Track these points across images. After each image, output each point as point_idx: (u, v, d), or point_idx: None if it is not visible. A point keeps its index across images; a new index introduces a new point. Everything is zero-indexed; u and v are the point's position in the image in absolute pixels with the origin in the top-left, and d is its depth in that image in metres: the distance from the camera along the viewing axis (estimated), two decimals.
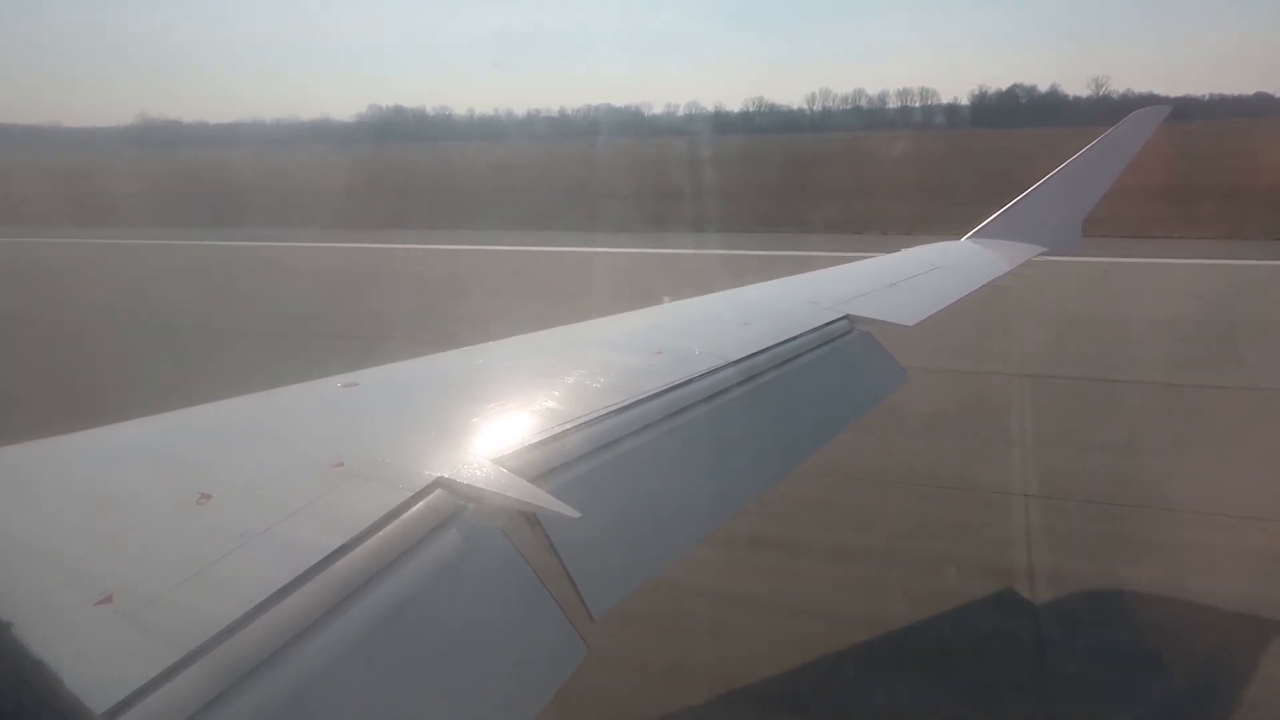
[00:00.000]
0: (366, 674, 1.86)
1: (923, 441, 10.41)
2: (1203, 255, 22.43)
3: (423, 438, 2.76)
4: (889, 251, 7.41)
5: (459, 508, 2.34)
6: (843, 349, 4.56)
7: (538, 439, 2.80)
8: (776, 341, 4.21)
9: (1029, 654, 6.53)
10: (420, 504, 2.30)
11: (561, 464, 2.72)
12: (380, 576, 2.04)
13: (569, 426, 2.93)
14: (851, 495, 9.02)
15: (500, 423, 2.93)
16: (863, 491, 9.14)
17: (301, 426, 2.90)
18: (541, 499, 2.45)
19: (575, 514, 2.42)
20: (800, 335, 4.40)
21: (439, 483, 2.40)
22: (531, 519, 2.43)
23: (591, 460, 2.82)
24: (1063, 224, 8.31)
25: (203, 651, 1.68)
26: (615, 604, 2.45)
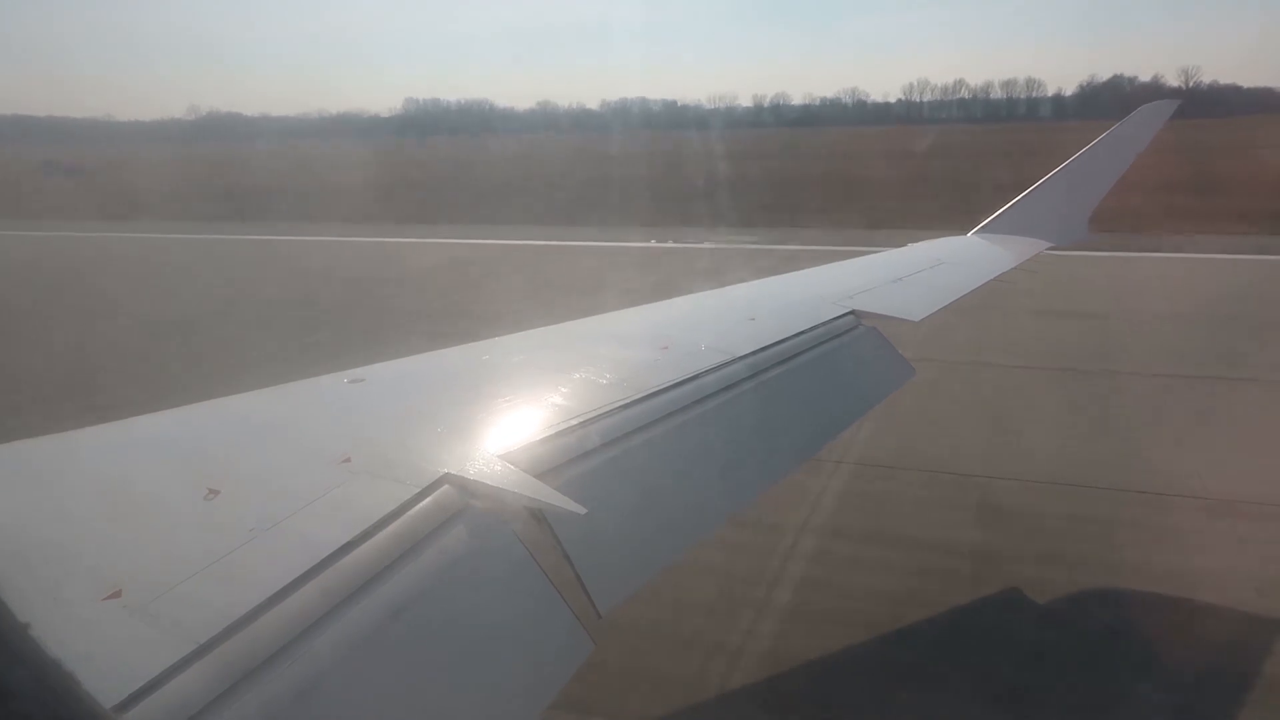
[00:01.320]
0: (375, 667, 1.87)
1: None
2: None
3: (430, 433, 2.77)
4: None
5: (466, 503, 2.35)
6: (849, 344, 4.55)
7: (544, 434, 2.80)
8: (782, 337, 4.21)
9: None
10: (427, 500, 2.31)
11: (568, 460, 2.72)
12: (388, 572, 2.05)
13: (576, 422, 2.93)
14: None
15: (507, 418, 2.93)
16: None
17: (309, 422, 2.92)
18: (548, 495, 2.45)
19: (582, 510, 2.42)
20: (806, 331, 4.40)
21: (446, 478, 2.41)
22: (538, 515, 2.43)
23: (598, 456, 2.82)
24: (1069, 219, 8.28)
25: (212, 646, 1.69)
26: (622, 599, 2.45)
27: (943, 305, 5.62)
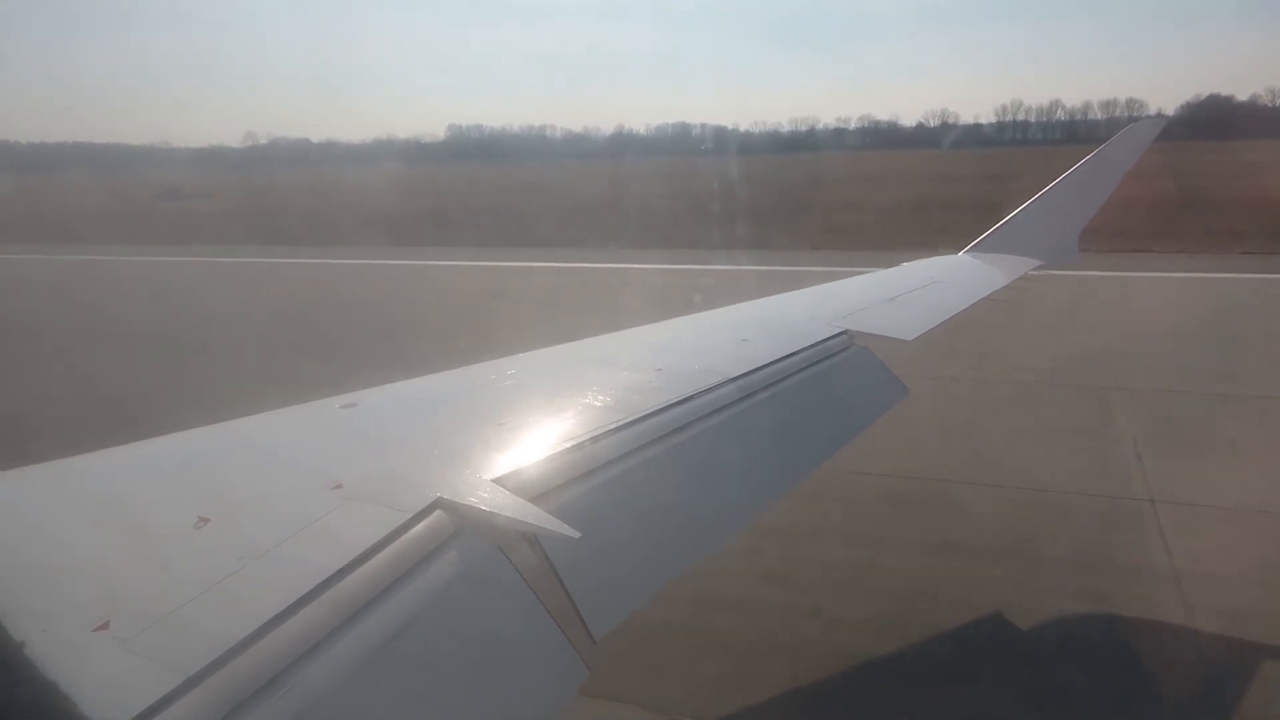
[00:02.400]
0: (366, 698, 1.85)
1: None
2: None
3: (422, 458, 2.76)
4: None
5: (459, 528, 2.34)
6: (842, 364, 4.55)
7: (537, 458, 2.79)
8: (775, 358, 4.20)
9: None
10: (420, 525, 2.30)
11: (561, 483, 2.71)
12: (380, 598, 2.03)
13: (568, 445, 2.92)
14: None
15: (499, 442, 2.92)
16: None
17: (300, 448, 2.90)
18: (541, 519, 2.44)
19: (575, 534, 2.40)
20: (799, 351, 4.39)
21: (438, 503, 2.39)
22: (531, 539, 2.42)
23: (591, 479, 2.80)
24: (1059, 238, 8.34)
25: (202, 677, 1.67)
26: (616, 625, 2.42)
27: (936, 324, 5.63)
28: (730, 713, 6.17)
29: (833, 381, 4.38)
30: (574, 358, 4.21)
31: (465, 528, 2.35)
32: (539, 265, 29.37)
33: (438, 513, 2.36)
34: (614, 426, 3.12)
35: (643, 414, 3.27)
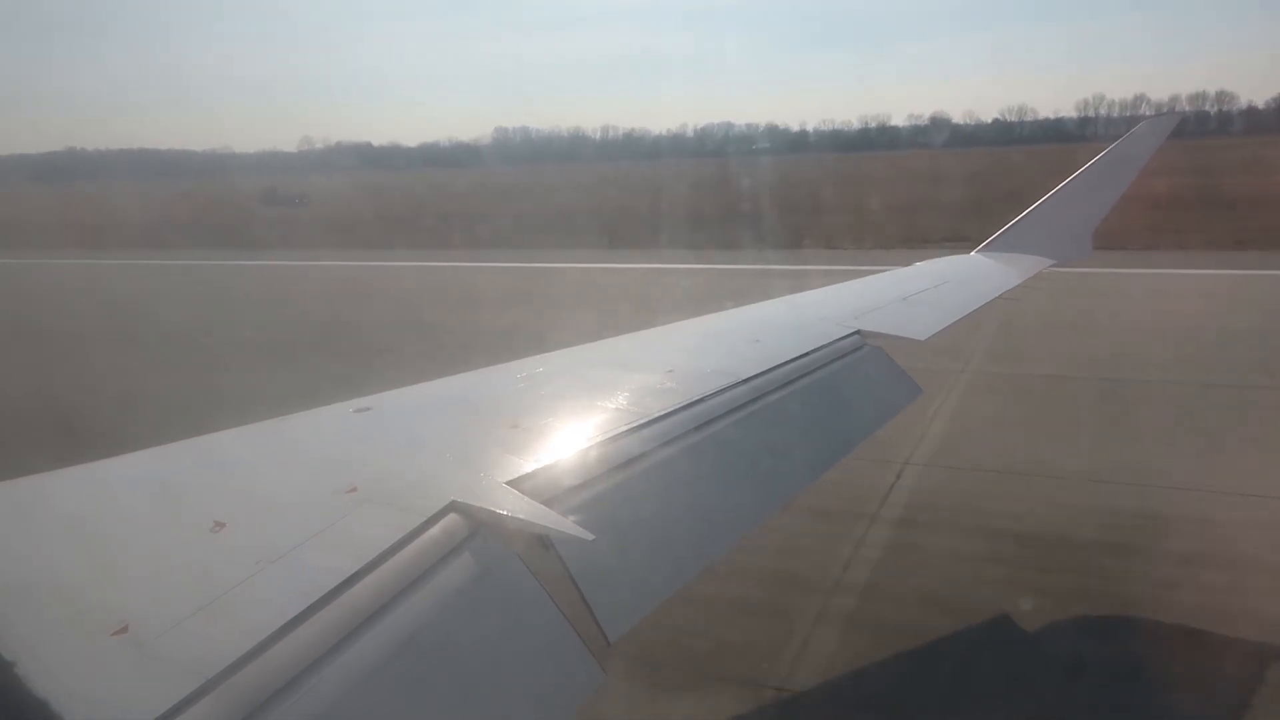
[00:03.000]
0: (382, 701, 1.86)
1: None
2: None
3: (435, 461, 2.77)
4: None
5: (473, 531, 2.35)
6: (854, 365, 4.54)
7: (550, 460, 2.80)
8: (788, 358, 4.19)
9: None
10: (434, 528, 2.31)
11: (574, 485, 2.72)
12: (395, 602, 2.04)
13: (582, 447, 2.93)
14: None
15: (512, 445, 2.92)
16: None
17: (314, 452, 2.92)
18: (555, 521, 2.45)
19: (589, 536, 2.41)
20: (812, 352, 4.38)
21: (452, 506, 2.40)
22: (545, 542, 2.42)
23: (604, 481, 2.81)
24: (1072, 236, 8.29)
25: (219, 680, 1.68)
26: (631, 626, 2.43)
27: (948, 324, 5.63)
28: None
29: (845, 382, 4.38)
30: (586, 360, 4.23)
31: (479, 531, 2.36)
32: (716, 268, 28.22)
33: (452, 516, 2.37)
34: (626, 429, 3.13)
35: (655, 416, 3.28)
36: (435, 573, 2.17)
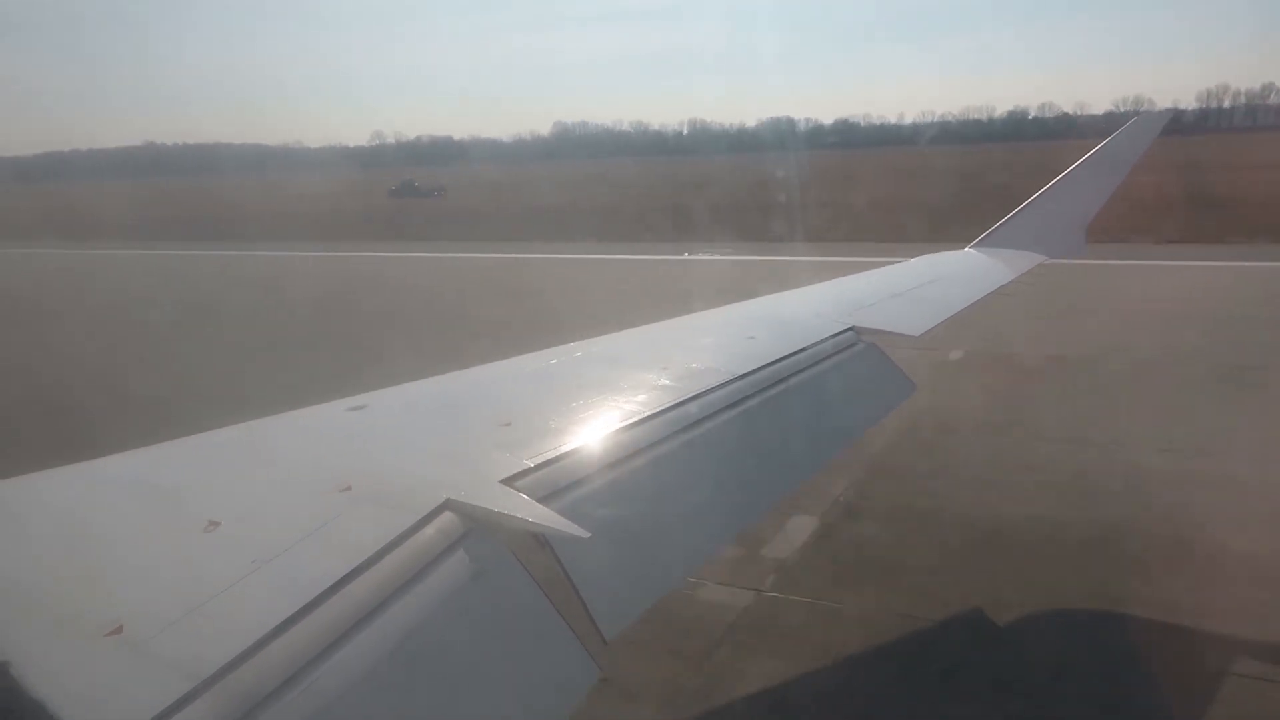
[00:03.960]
0: (378, 700, 1.86)
1: None
2: None
3: (430, 459, 2.77)
4: None
5: (468, 530, 2.34)
6: (849, 361, 4.54)
7: (545, 458, 2.79)
8: (782, 355, 4.19)
9: None
10: (429, 527, 2.30)
11: (570, 483, 2.71)
12: (390, 600, 2.03)
13: (576, 445, 2.92)
14: None
15: (507, 443, 2.91)
16: None
17: (308, 451, 2.91)
18: (550, 519, 2.44)
19: (585, 534, 2.40)
20: (806, 348, 4.38)
21: (447, 505, 2.40)
22: (541, 540, 2.42)
23: (600, 479, 2.80)
24: (1065, 232, 8.34)
25: (214, 680, 1.68)
26: (627, 624, 2.42)
27: (942, 320, 5.64)
28: None
29: (839, 378, 4.37)
30: (581, 357, 4.23)
31: (474, 529, 2.35)
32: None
33: (447, 514, 2.37)
34: (621, 426, 3.13)
35: (650, 413, 3.27)
36: (430, 571, 2.16)
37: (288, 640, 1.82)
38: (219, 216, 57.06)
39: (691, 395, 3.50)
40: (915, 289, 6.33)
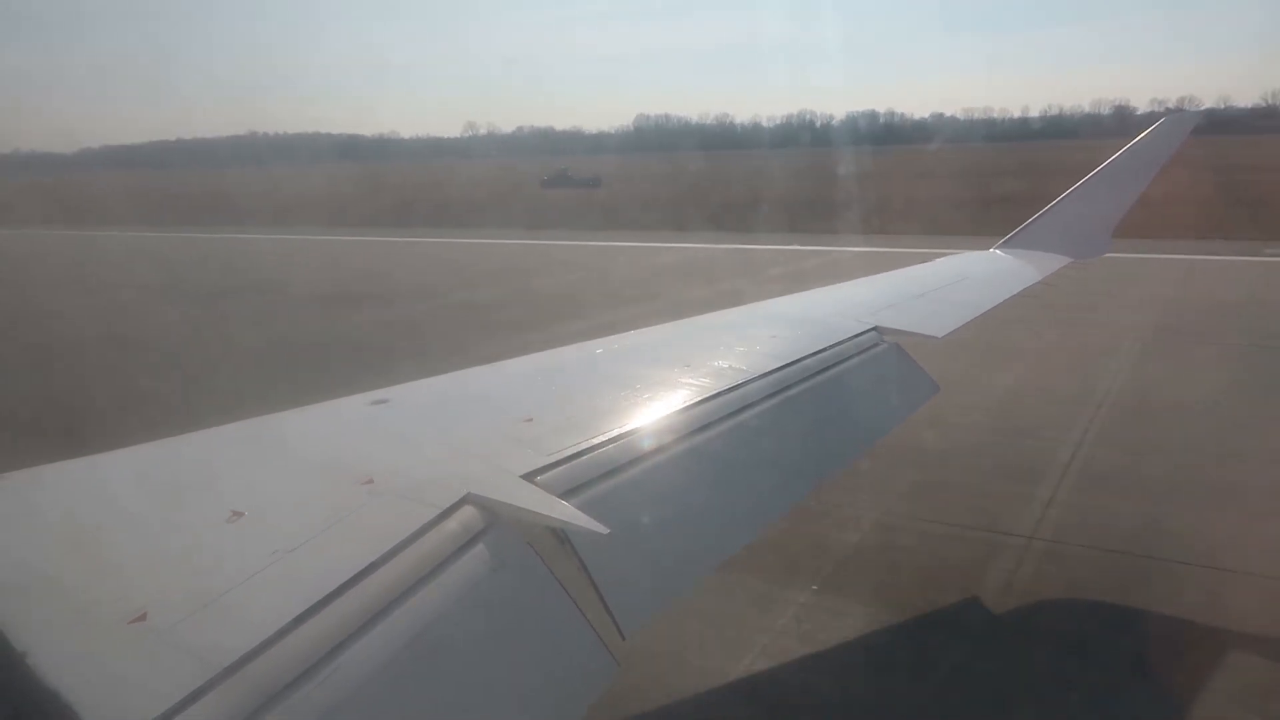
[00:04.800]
0: (397, 690, 1.87)
1: None
2: None
3: (452, 454, 2.78)
4: None
5: (488, 524, 2.35)
6: (871, 361, 4.51)
7: (566, 454, 2.79)
8: (805, 354, 4.17)
9: None
10: (449, 520, 2.31)
11: (590, 479, 2.71)
12: (410, 593, 2.04)
13: (597, 441, 2.92)
14: None
15: (528, 438, 2.92)
16: None
17: (331, 444, 2.93)
18: (570, 514, 2.44)
19: (604, 530, 2.41)
20: (829, 347, 4.36)
21: (468, 499, 2.40)
22: (561, 535, 2.42)
23: (620, 475, 2.80)
24: (1091, 233, 8.23)
25: (237, 668, 1.69)
26: (647, 620, 2.42)
27: (966, 321, 5.61)
28: None
29: (861, 378, 4.35)
30: (602, 354, 4.23)
31: (494, 523, 2.36)
32: None
33: (467, 508, 2.38)
34: (642, 423, 3.13)
35: (671, 410, 3.28)
36: (450, 564, 2.17)
37: (308, 630, 1.83)
38: (404, 202, 57.07)
39: (714, 393, 3.51)
40: (939, 290, 6.30)
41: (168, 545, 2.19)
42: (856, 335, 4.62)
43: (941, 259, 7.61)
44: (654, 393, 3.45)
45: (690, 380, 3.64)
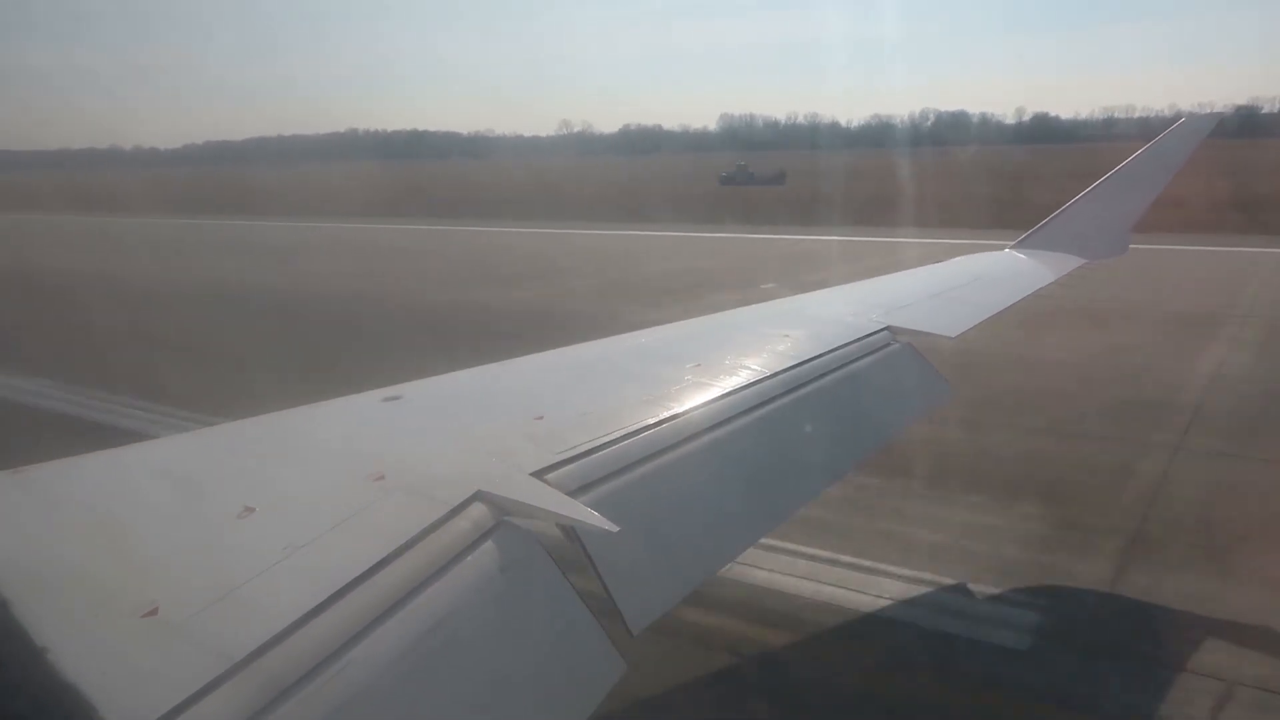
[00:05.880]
0: (406, 687, 1.88)
1: None
2: None
3: (462, 451, 2.79)
4: None
5: (498, 521, 2.35)
6: (883, 361, 4.51)
7: (576, 452, 2.80)
8: (816, 353, 4.18)
9: None
10: (460, 517, 2.32)
11: (600, 477, 2.72)
12: (420, 590, 2.05)
13: (608, 439, 2.92)
14: None
15: (539, 435, 2.93)
16: None
17: (343, 440, 2.95)
18: (580, 512, 2.45)
19: (614, 528, 2.41)
20: (841, 347, 4.36)
21: (478, 496, 2.41)
22: (570, 532, 2.43)
23: (630, 474, 2.81)
24: (1107, 234, 8.18)
25: (247, 662, 1.70)
26: (655, 619, 2.42)
27: (979, 321, 5.58)
28: None
29: (873, 378, 4.34)
30: (613, 352, 4.24)
31: (504, 520, 2.37)
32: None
33: (477, 505, 2.38)
34: (652, 421, 3.12)
35: (682, 409, 3.28)
36: (460, 561, 2.18)
37: (319, 626, 1.84)
38: (603, 198, 57.26)
39: (725, 392, 3.52)
40: (953, 289, 6.27)
41: (179, 540, 2.21)
42: (869, 335, 4.62)
43: (956, 259, 7.64)
44: (664, 391, 3.46)
45: (701, 379, 3.65)
